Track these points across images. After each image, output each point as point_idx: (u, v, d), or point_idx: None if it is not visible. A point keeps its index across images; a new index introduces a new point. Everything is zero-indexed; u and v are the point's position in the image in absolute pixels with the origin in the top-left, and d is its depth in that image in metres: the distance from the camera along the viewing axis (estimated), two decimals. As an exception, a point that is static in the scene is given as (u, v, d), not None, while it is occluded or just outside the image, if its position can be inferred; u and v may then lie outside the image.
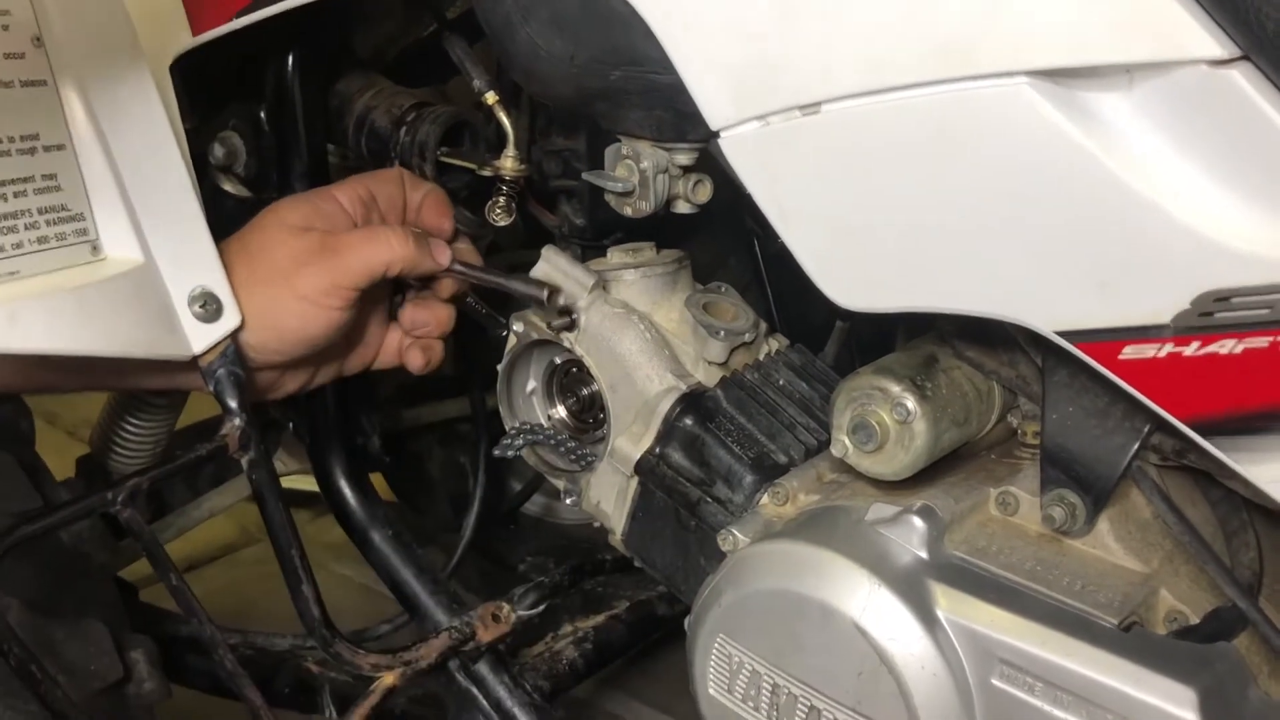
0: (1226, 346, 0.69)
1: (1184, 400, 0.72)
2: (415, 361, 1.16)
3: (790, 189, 0.82)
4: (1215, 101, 0.65)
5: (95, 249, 0.93)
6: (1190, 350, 0.70)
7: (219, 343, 0.99)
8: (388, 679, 1.10)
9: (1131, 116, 0.68)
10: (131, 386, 1.09)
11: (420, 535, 1.45)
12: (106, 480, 1.41)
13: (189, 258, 0.97)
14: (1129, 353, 0.72)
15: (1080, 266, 0.72)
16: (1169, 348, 0.70)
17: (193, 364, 1.00)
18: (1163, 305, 0.70)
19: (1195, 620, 0.85)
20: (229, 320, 0.99)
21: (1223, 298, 0.67)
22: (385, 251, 1.05)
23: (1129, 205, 0.69)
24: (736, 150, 0.83)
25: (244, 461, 1.05)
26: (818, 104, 0.78)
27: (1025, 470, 0.94)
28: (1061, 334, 0.74)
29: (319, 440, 1.31)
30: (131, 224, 0.94)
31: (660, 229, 1.16)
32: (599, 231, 1.26)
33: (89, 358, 0.91)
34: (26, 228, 0.89)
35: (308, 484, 1.49)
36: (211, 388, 1.01)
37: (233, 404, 1.01)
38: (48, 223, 0.91)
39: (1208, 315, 0.68)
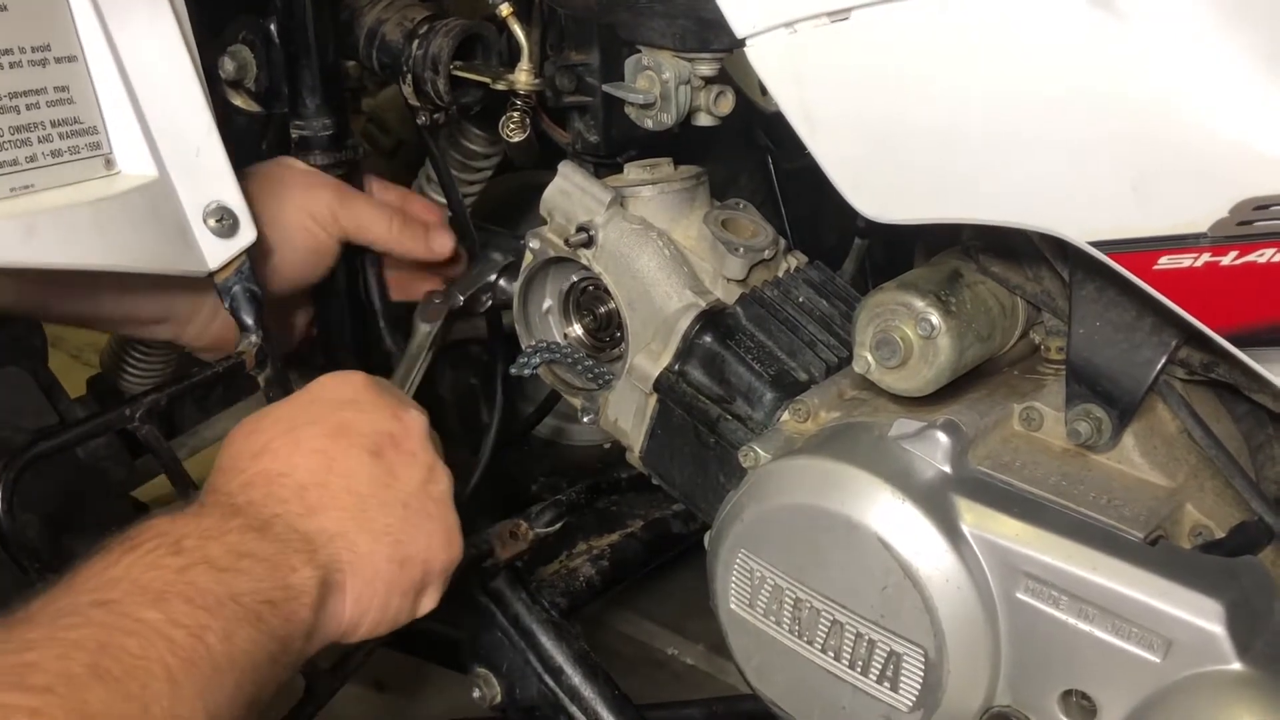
0: (1265, 255, 0.68)
1: (1220, 311, 0.72)
2: None
3: (819, 98, 0.80)
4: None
5: (109, 163, 0.92)
6: (1228, 260, 0.69)
7: (235, 258, 0.98)
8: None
9: (1171, 16, 0.67)
10: (132, 317, 1.10)
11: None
12: (118, 400, 1.41)
13: (203, 172, 0.96)
14: (1164, 263, 0.71)
15: (1116, 175, 0.71)
16: (1206, 257, 0.69)
17: (207, 281, 0.99)
18: (1200, 214, 0.68)
19: (1220, 534, 0.85)
20: (245, 235, 0.98)
21: (1262, 205, 0.66)
22: (381, 224, 1.22)
23: (1167, 110, 0.68)
24: (763, 59, 0.82)
25: (260, 379, 1.05)
26: (847, 10, 0.76)
27: (1049, 386, 0.94)
28: (1095, 244, 0.73)
29: (332, 359, 1.30)
30: (145, 138, 0.93)
31: (674, 146, 1.15)
32: (613, 148, 1.24)
33: (101, 275, 0.90)
34: (40, 140, 0.88)
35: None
36: (228, 304, 1.00)
37: (249, 320, 1.01)
38: (60, 136, 0.89)
39: (1246, 224, 0.67)
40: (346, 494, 0.83)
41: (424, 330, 1.26)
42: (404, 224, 1.25)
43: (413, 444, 0.89)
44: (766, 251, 1.09)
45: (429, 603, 0.90)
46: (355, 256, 1.27)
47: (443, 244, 1.28)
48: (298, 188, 1.14)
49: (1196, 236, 0.69)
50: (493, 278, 1.25)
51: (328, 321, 1.31)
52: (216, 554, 0.74)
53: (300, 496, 0.81)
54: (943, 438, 0.88)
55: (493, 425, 1.35)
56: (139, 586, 0.69)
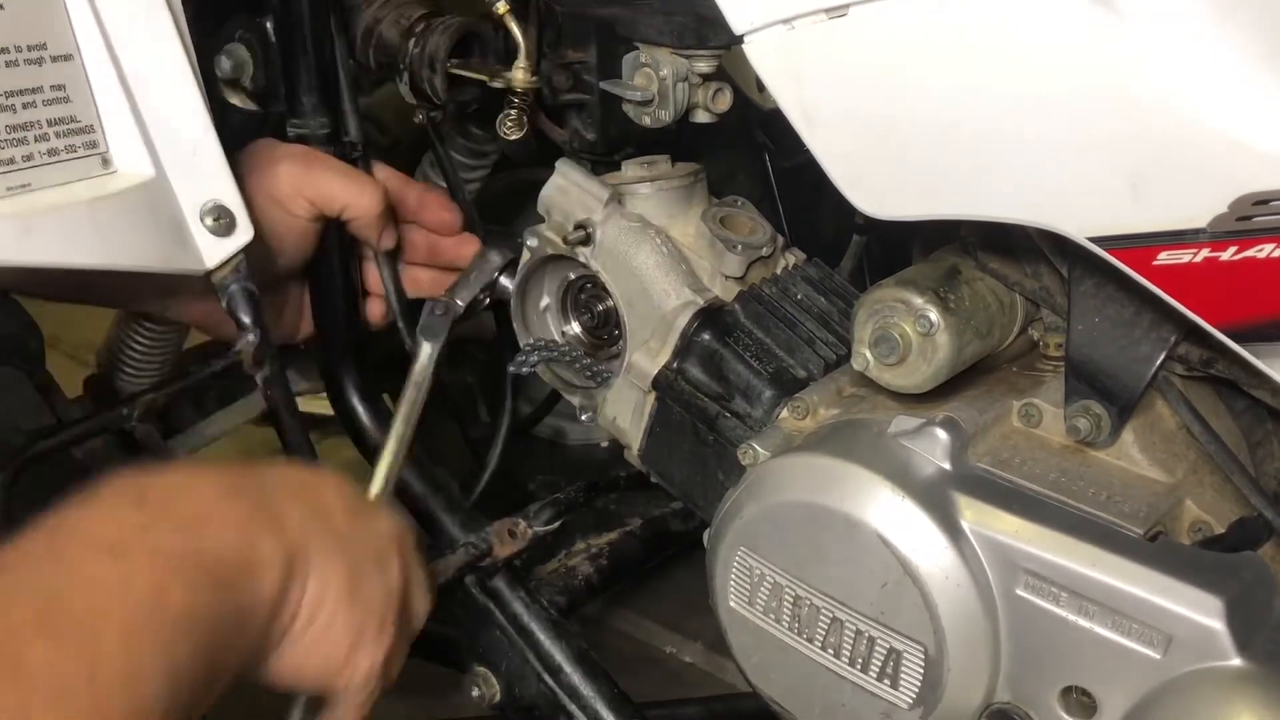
0: (1265, 251, 0.68)
1: (1219, 306, 0.72)
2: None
3: (817, 95, 0.80)
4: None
5: (106, 162, 0.92)
6: (1227, 255, 0.69)
7: (232, 257, 0.98)
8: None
9: (1170, 13, 0.67)
10: (135, 305, 1.08)
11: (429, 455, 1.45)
12: (115, 399, 1.41)
13: (200, 171, 0.96)
14: (1164, 258, 0.71)
15: (1115, 171, 0.71)
16: (1205, 253, 0.69)
17: (204, 280, 0.99)
18: (1199, 209, 0.68)
19: (1220, 530, 0.85)
20: (242, 234, 0.97)
21: (1262, 201, 0.66)
22: (350, 192, 1.13)
23: (1166, 106, 0.68)
24: (761, 56, 0.82)
25: (259, 378, 1.04)
26: (845, 6, 0.76)
27: (1048, 382, 0.94)
28: (1094, 240, 0.73)
29: (331, 356, 1.30)
30: (142, 136, 0.93)
31: (671, 144, 1.15)
32: (610, 146, 1.23)
33: (99, 273, 0.90)
34: (36, 139, 0.88)
35: (312, 407, 1.49)
36: (225, 303, 1.00)
37: (247, 319, 1.00)
38: (57, 135, 0.89)
39: (1246, 219, 0.67)
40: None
41: (427, 351, 1.19)
42: (386, 197, 1.17)
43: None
44: (765, 249, 1.09)
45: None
46: (351, 244, 1.25)
47: (440, 216, 1.23)
48: (257, 171, 1.07)
49: (1196, 232, 0.69)
50: (494, 277, 1.24)
51: (325, 317, 1.30)
52: (182, 510, 0.68)
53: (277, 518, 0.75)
54: (942, 434, 0.88)
55: (501, 427, 1.35)
56: (96, 538, 0.63)
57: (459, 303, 1.21)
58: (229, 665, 0.68)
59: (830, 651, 0.90)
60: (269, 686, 0.76)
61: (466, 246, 1.25)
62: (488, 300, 1.25)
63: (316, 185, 1.11)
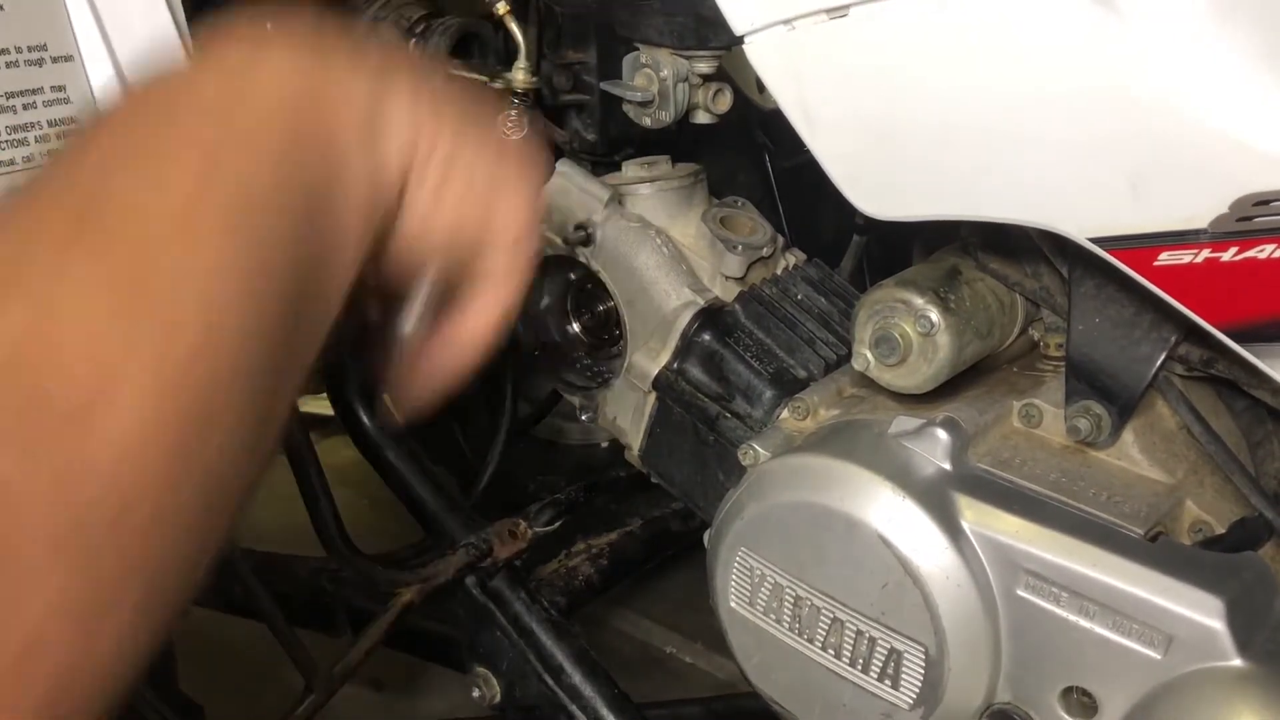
0: (1265, 251, 0.68)
1: (1220, 306, 0.72)
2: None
3: (817, 95, 0.80)
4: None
5: (106, 163, 0.92)
6: (1228, 255, 0.69)
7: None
8: (405, 595, 1.10)
9: (1170, 13, 0.67)
10: None
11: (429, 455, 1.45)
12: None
13: (200, 172, 0.96)
14: (1164, 259, 0.71)
15: (1115, 171, 0.70)
16: (1206, 253, 0.69)
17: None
18: (1200, 210, 0.68)
19: (1220, 530, 0.85)
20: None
21: (1263, 201, 0.66)
22: None
23: (1166, 107, 0.68)
24: (761, 57, 0.82)
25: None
26: (845, 7, 0.76)
27: (1048, 382, 0.94)
28: (1094, 241, 0.73)
29: (331, 355, 1.30)
30: (142, 138, 0.93)
31: (671, 144, 1.15)
32: (610, 146, 1.24)
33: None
34: (37, 140, 0.88)
35: (312, 407, 1.49)
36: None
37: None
38: (58, 136, 0.89)
39: (1246, 220, 0.67)
40: None
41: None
42: None
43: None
44: (765, 249, 1.09)
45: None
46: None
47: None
48: None
49: (1196, 232, 0.69)
50: None
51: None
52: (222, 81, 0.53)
53: None
54: (942, 435, 0.88)
55: (503, 427, 1.35)
56: (122, 145, 0.49)
57: None
58: (337, 244, 0.54)
59: (831, 652, 0.90)
60: (404, 269, 0.62)
61: None
62: None
63: None
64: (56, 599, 0.40)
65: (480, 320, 0.64)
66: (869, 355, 0.92)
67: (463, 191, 0.60)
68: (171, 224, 0.47)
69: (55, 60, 0.90)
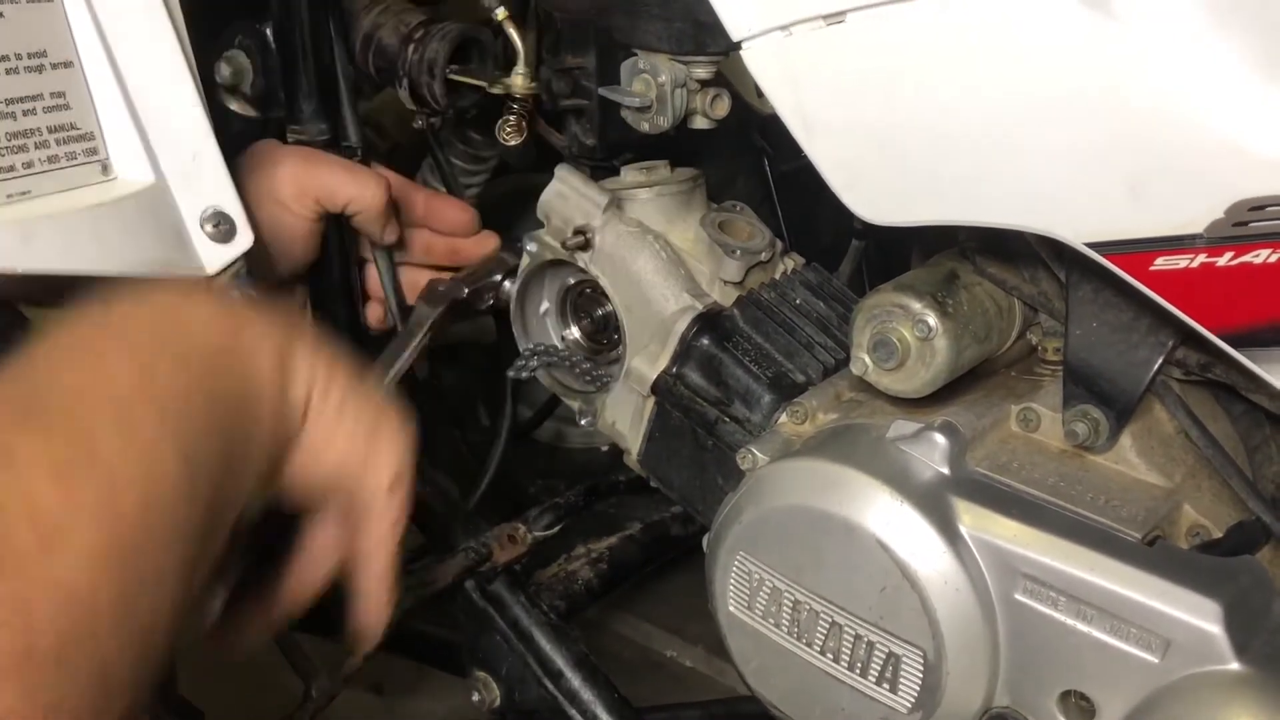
0: (1261, 256, 0.68)
1: (1216, 311, 0.72)
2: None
3: (815, 101, 0.80)
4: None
5: (106, 169, 0.92)
6: (1223, 260, 0.69)
7: (232, 263, 0.98)
8: (405, 599, 1.10)
9: (1167, 18, 0.67)
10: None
11: (429, 460, 1.45)
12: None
13: (200, 178, 0.96)
14: (1161, 264, 0.71)
15: (1112, 176, 0.71)
16: (1202, 258, 0.70)
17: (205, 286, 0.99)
18: (1196, 215, 0.69)
19: (1218, 534, 0.85)
20: (242, 240, 0.98)
21: (1258, 206, 0.66)
22: (353, 186, 1.13)
23: (1163, 112, 0.68)
24: (758, 62, 0.82)
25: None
26: (842, 13, 0.76)
27: (1046, 387, 0.94)
28: (1091, 245, 0.73)
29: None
30: (142, 143, 0.93)
31: (670, 149, 1.15)
32: (609, 151, 1.24)
33: (99, 280, 0.90)
34: (37, 146, 0.88)
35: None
36: (225, 309, 1.00)
37: (245, 325, 1.00)
38: (57, 141, 0.89)
39: (1242, 225, 0.67)
40: None
41: (424, 312, 1.20)
42: (390, 191, 1.17)
43: None
44: (763, 254, 1.09)
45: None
46: (351, 248, 1.25)
47: (455, 218, 1.24)
48: (259, 174, 1.08)
49: (1192, 237, 0.69)
50: (498, 278, 1.23)
51: (325, 320, 1.30)
52: (148, 316, 0.65)
53: None
54: (940, 439, 0.88)
55: (503, 431, 1.35)
56: (66, 346, 0.60)
57: (463, 286, 1.21)
58: (248, 452, 0.64)
59: (829, 656, 0.90)
60: (295, 505, 0.73)
61: (488, 243, 1.26)
62: (492, 300, 1.24)
63: (320, 180, 1.11)
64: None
65: (318, 564, 0.77)
66: (867, 360, 0.92)
67: (350, 432, 0.71)
68: (113, 407, 0.56)
69: (55, 66, 0.90)
